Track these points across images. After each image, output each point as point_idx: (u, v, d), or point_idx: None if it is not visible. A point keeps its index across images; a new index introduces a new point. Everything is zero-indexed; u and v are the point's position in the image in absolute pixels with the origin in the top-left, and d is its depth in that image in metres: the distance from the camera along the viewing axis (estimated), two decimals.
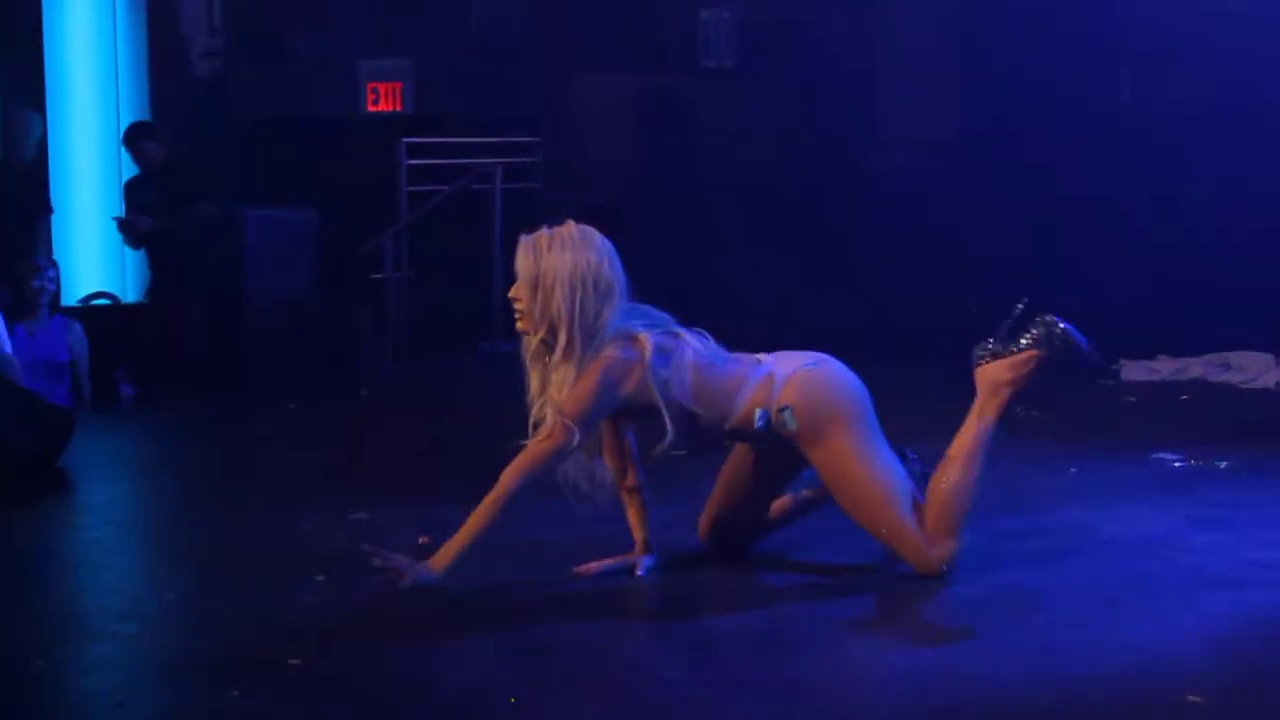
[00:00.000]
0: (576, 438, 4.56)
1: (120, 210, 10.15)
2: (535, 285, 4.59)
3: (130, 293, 10.76)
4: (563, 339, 4.57)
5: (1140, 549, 5.05)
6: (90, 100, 10.90)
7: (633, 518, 4.93)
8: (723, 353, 4.73)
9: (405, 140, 11.26)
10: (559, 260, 4.57)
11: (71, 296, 9.88)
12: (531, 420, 4.65)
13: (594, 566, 4.84)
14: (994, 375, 4.65)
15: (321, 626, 4.38)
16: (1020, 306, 4.59)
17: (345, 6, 12.35)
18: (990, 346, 4.64)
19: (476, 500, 4.59)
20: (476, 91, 12.04)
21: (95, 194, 10.74)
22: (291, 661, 4.07)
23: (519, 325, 4.68)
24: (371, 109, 11.95)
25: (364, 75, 12.04)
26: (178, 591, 4.87)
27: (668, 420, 4.59)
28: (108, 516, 6.21)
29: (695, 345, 4.66)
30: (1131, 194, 9.87)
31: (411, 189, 11.27)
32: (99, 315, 9.44)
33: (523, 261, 4.62)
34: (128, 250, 10.43)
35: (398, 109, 11.95)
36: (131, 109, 11.01)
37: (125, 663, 4.27)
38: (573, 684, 3.99)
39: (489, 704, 3.81)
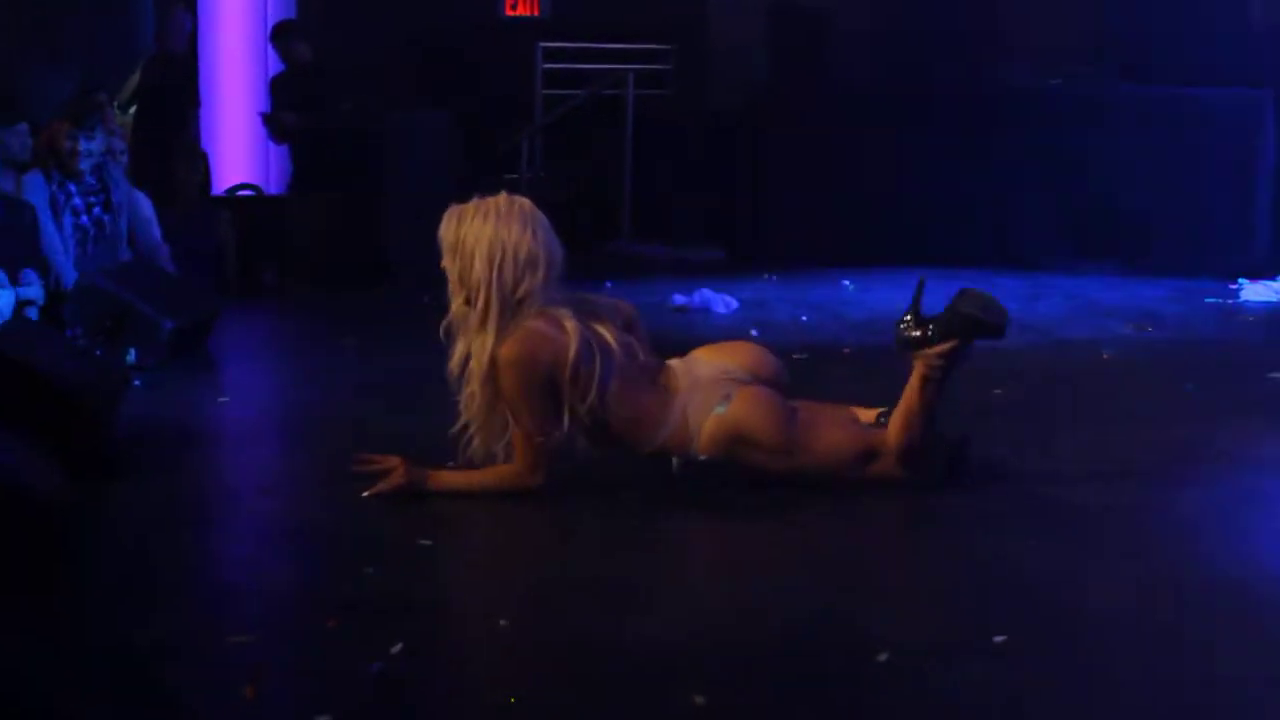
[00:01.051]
0: (553, 434, 4.57)
1: (266, 106, 10.35)
2: (455, 251, 4.64)
3: (273, 186, 10.99)
4: (480, 303, 4.59)
5: (1254, 466, 5.08)
6: None
7: None
8: (641, 362, 4.67)
9: (541, 45, 11.39)
10: (480, 228, 4.61)
11: (218, 187, 10.14)
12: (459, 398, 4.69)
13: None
14: (925, 360, 4.58)
15: (451, 509, 4.55)
16: (921, 284, 4.59)
17: None
18: (907, 326, 4.61)
19: None
20: None
21: (242, 89, 10.94)
22: (422, 542, 4.25)
23: (450, 292, 4.71)
24: (510, 13, 12.08)
25: None
26: (315, 471, 5.08)
27: (565, 418, 4.59)
28: (250, 398, 6.45)
29: (619, 354, 4.61)
30: (1257, 113, 9.73)
31: (546, 92, 11.41)
32: (243, 206, 9.66)
33: (445, 229, 4.67)
34: (272, 145, 10.66)
35: (535, 14, 12.07)
36: (279, 7, 11.18)
37: (264, 537, 4.49)
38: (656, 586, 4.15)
39: (604, 587, 3.98)
